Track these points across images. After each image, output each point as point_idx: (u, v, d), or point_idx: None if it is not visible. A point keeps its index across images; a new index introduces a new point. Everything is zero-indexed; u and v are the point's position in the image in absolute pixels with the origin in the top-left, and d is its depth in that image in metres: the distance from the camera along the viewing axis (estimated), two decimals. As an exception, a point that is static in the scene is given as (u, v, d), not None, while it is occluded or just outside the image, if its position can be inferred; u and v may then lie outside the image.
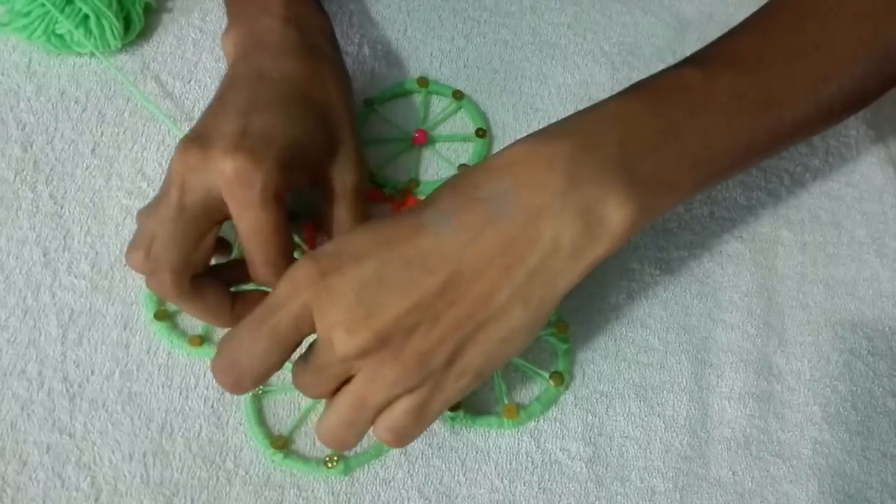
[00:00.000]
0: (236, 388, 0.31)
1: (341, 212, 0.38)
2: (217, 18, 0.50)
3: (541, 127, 0.32)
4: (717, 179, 0.36)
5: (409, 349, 0.30)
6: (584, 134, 0.31)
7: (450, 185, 0.32)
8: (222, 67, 0.48)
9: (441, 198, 0.31)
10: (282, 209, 0.34)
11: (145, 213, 0.35)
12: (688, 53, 0.36)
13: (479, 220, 0.30)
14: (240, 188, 0.33)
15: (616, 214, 0.30)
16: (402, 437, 0.32)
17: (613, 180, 0.30)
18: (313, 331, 0.31)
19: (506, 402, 0.38)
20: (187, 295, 0.34)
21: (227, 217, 0.34)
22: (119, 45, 0.47)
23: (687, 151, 0.32)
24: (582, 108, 0.47)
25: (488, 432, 0.38)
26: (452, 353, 0.30)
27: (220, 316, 0.36)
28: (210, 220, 0.34)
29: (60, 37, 0.46)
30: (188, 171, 0.33)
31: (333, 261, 0.30)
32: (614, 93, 0.34)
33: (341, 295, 0.29)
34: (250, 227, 0.34)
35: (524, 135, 0.32)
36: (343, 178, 0.38)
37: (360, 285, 0.29)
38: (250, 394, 0.38)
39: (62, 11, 0.45)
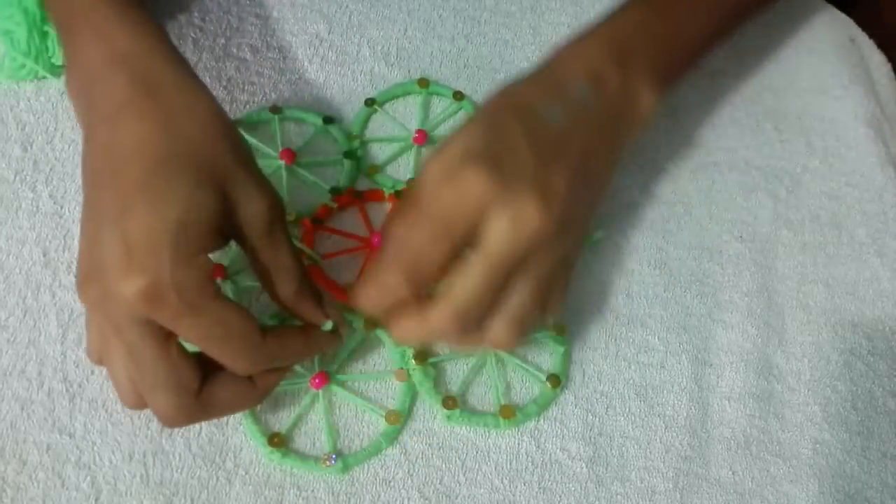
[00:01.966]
0: (415, 282, 0.33)
1: (261, 245, 0.33)
2: (217, 18, 0.50)
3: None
4: (691, 68, 0.44)
5: (570, 215, 0.35)
6: (623, 45, 0.39)
7: (534, 85, 0.38)
8: (223, 67, 0.48)
9: (537, 96, 0.37)
10: (220, 297, 0.31)
11: (97, 355, 0.33)
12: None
13: (579, 110, 0.38)
14: (154, 308, 0.29)
15: (646, 104, 0.39)
16: (525, 329, 0.35)
17: (646, 80, 0.39)
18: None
19: (503, 402, 0.39)
20: (203, 403, 0.33)
21: None
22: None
23: (684, 49, 0.42)
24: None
25: (488, 432, 0.38)
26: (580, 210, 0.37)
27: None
28: (166, 331, 0.31)
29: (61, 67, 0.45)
30: (97, 307, 0.31)
31: (497, 161, 0.34)
32: None
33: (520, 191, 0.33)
34: (200, 334, 0.31)
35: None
36: (251, 209, 0.32)
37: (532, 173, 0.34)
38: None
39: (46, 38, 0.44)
